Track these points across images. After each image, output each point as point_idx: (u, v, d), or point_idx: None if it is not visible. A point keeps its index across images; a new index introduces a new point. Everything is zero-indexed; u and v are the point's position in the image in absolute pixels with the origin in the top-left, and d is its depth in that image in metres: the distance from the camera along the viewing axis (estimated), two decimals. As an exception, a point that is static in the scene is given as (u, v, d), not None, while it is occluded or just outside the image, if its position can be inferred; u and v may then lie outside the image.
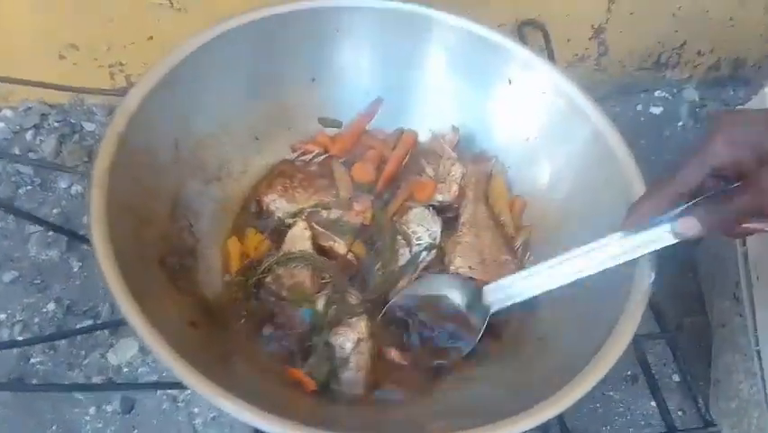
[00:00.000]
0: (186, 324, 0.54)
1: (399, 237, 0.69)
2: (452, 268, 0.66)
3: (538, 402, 0.47)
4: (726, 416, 0.91)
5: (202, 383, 0.44)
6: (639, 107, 1.34)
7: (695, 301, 1.14)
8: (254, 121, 0.72)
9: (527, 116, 0.73)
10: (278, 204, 0.69)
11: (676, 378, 1.05)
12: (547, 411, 0.47)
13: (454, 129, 0.77)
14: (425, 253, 0.68)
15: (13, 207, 0.96)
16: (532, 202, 0.73)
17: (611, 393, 1.03)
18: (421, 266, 0.67)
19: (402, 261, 0.67)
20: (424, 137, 0.78)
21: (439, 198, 0.73)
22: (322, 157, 0.74)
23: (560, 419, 0.61)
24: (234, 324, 0.60)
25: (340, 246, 0.67)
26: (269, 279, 0.63)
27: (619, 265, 0.53)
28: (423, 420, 0.55)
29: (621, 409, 1.02)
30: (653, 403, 1.03)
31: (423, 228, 0.69)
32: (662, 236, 0.51)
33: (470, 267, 0.66)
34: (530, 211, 0.73)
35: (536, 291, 0.58)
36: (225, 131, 0.69)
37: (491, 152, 0.76)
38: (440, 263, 0.68)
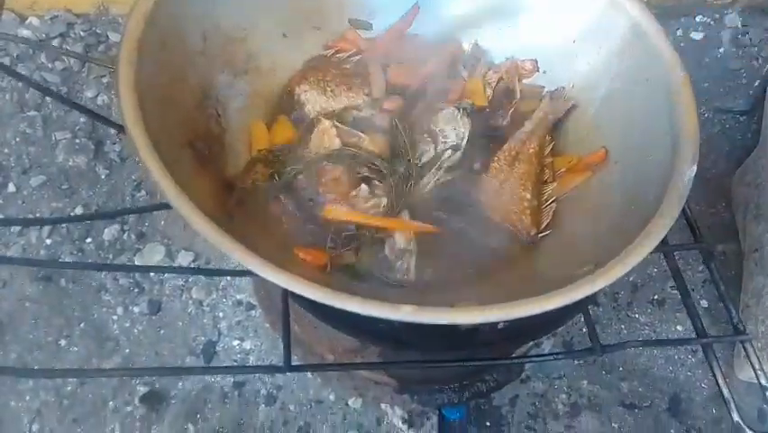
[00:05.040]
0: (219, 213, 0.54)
1: (426, 135, 0.68)
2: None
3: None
4: (755, 339, 0.90)
5: (262, 263, 0.45)
6: (679, 32, 1.28)
7: (727, 230, 1.12)
8: (283, 18, 0.71)
9: (565, 15, 0.70)
10: (309, 96, 0.68)
11: (704, 303, 1.04)
12: (575, 292, 0.46)
13: (533, 61, 0.74)
14: (449, 152, 0.67)
15: (54, 91, 0.94)
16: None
17: (637, 316, 1.03)
18: (445, 165, 0.67)
19: (426, 158, 0.67)
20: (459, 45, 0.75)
21: (470, 101, 0.71)
22: (357, 57, 0.72)
23: (590, 326, 0.59)
24: (259, 212, 0.60)
25: (364, 141, 0.66)
26: (301, 177, 0.62)
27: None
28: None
29: (646, 332, 1.02)
30: (680, 327, 1.03)
31: (450, 128, 0.68)
32: None
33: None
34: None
35: None
36: (253, 24, 0.68)
37: (530, 55, 0.74)
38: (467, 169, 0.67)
